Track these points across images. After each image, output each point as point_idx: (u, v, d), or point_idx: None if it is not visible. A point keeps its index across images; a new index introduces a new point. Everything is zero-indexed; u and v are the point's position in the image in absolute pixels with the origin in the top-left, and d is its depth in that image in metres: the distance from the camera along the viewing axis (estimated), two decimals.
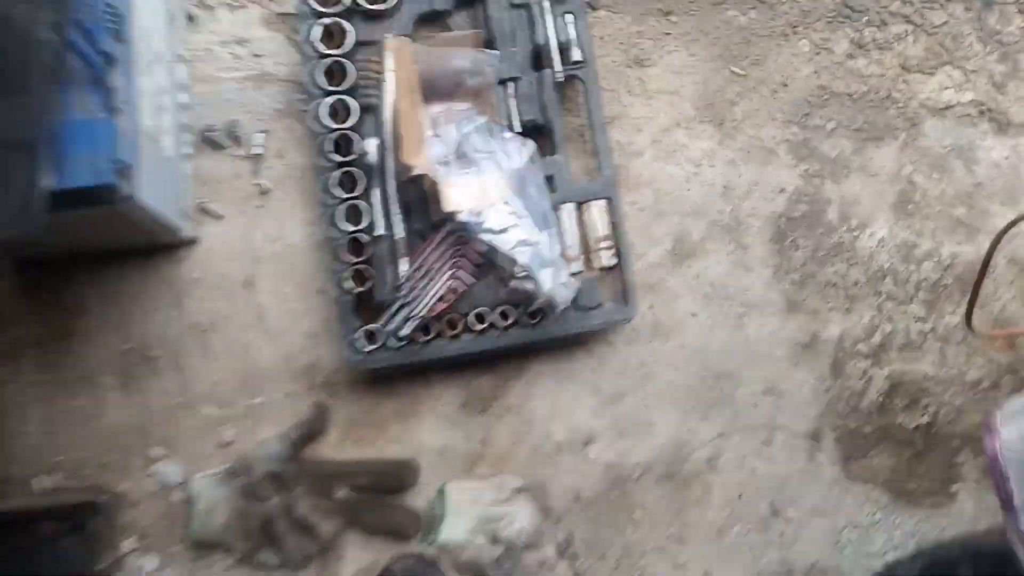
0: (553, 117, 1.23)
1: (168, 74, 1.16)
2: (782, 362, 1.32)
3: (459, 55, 1.18)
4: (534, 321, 1.20)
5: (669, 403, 1.31)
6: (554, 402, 1.29)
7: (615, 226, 1.23)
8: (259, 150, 1.25)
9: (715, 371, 1.31)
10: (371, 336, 1.19)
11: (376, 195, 1.20)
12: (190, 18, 1.28)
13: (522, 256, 1.06)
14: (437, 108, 1.20)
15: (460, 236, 1.17)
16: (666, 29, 1.35)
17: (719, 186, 1.32)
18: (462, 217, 1.08)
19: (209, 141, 1.26)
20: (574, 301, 1.19)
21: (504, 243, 1.07)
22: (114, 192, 0.92)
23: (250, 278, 1.25)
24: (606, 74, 1.29)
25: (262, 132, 1.26)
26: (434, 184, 1.11)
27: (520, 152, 1.12)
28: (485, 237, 1.08)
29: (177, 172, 1.19)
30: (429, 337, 1.19)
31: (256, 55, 1.29)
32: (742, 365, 1.32)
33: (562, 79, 1.23)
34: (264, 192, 1.26)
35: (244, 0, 1.30)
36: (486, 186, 1.11)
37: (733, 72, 1.35)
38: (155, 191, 1.07)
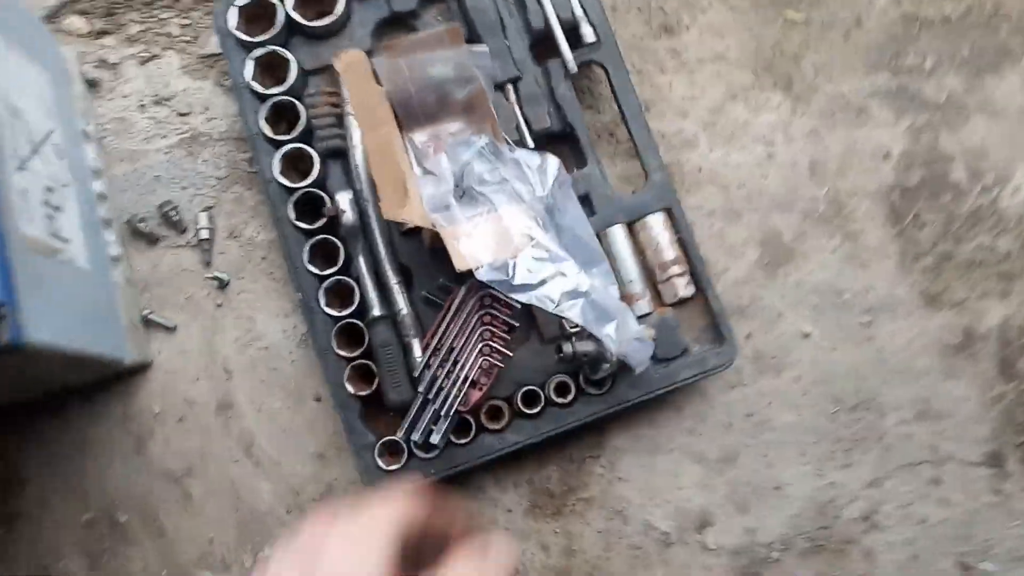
0: (573, 119, 0.93)
1: (65, 160, 0.88)
2: (932, 374, 1.00)
3: (436, 60, 0.88)
4: (602, 390, 0.90)
5: (796, 455, 0.99)
6: (647, 482, 0.98)
7: (683, 243, 0.93)
8: (205, 233, 0.96)
9: (847, 402, 1.00)
10: (394, 449, 0.89)
11: (362, 265, 0.90)
12: (91, 84, 1.00)
13: (573, 312, 0.76)
14: (421, 136, 0.90)
15: (484, 295, 0.87)
16: None
17: (803, 166, 1.01)
18: (482, 276, 0.77)
19: (141, 235, 0.97)
20: (654, 355, 0.89)
21: (545, 300, 0.76)
22: None
23: (225, 399, 0.96)
24: (628, 52, 0.99)
25: (205, 210, 0.97)
26: (435, 237, 0.82)
27: (541, 172, 0.82)
28: (520, 297, 0.77)
29: (101, 284, 0.90)
30: (469, 437, 0.89)
31: (182, 113, 1.00)
32: (880, 388, 1.00)
33: (575, 68, 0.93)
34: (222, 285, 0.97)
35: (156, 48, 1.01)
36: (505, 228, 0.80)
37: (789, 19, 1.04)
38: (66, 319, 0.79)
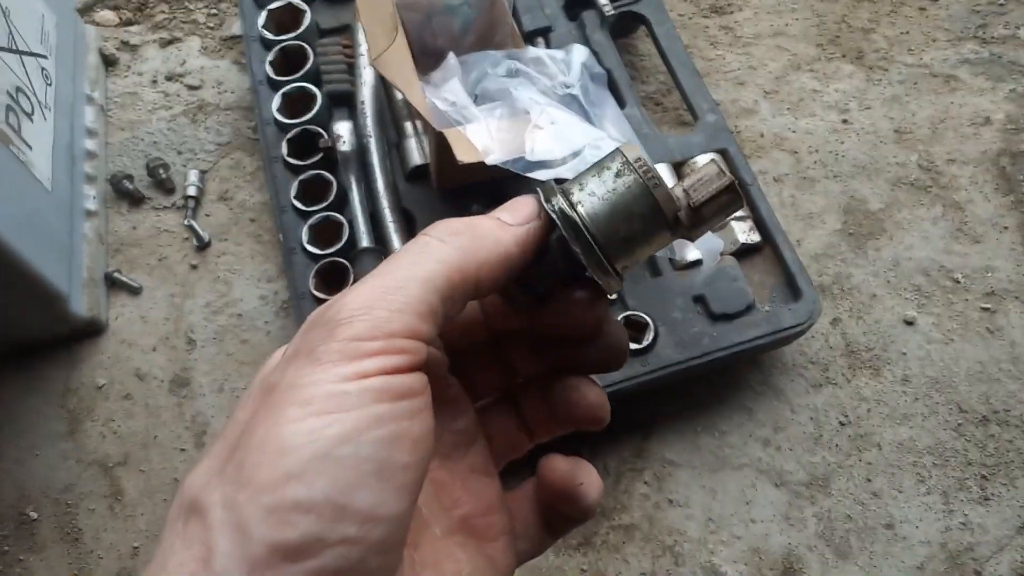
0: (610, 63, 0.82)
1: (51, 89, 0.81)
2: None
3: None
4: (641, 345, 0.69)
5: (913, 482, 0.73)
6: (708, 509, 0.73)
7: (744, 186, 0.76)
8: (192, 190, 0.85)
9: (976, 412, 0.75)
10: None
11: (356, 198, 0.76)
12: (108, 61, 0.95)
13: None
14: (439, 74, 0.80)
15: None
16: None
17: (886, 132, 0.86)
18: (493, 159, 0.63)
19: (125, 194, 0.87)
20: (706, 306, 0.69)
21: (572, 172, 0.60)
22: None
23: (182, 374, 0.79)
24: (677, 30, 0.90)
25: (198, 171, 0.87)
26: (444, 175, 0.68)
27: (566, 62, 0.70)
28: (539, 174, 0.61)
29: (63, 217, 0.78)
30: None
31: (193, 87, 0.94)
32: (1019, 394, 0.75)
33: (611, 10, 0.84)
34: (201, 247, 0.84)
35: (179, 33, 0.98)
36: (521, 110, 0.67)
37: None
38: (9, 211, 0.67)
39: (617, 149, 0.30)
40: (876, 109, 0.87)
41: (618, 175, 0.29)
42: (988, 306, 0.78)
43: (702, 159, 0.77)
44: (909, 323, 0.78)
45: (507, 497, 0.35)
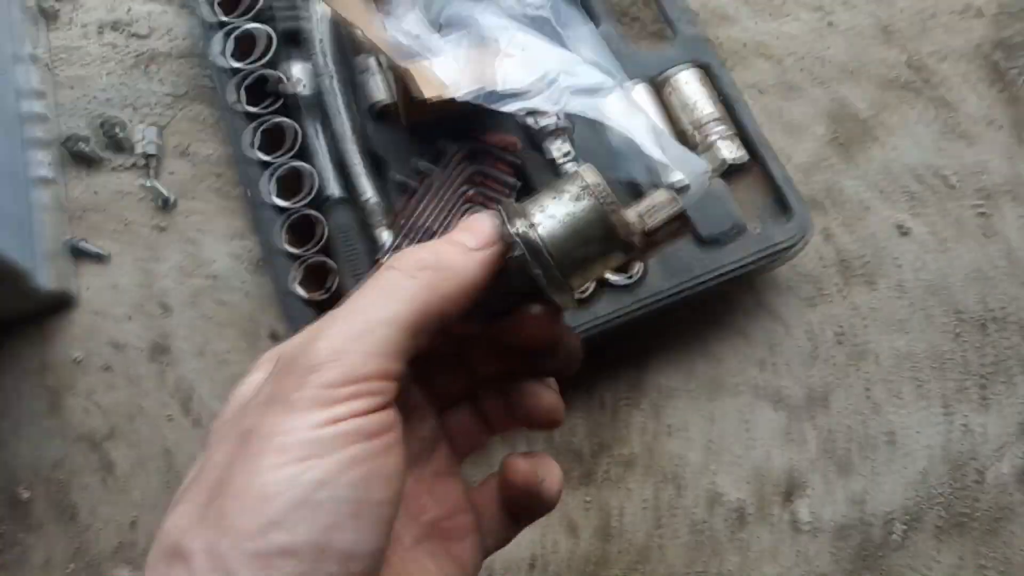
0: None
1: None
2: None
3: None
4: (630, 277, 0.67)
5: (912, 391, 0.73)
6: (708, 435, 0.72)
7: (728, 102, 0.73)
8: (151, 148, 0.81)
9: (973, 316, 0.74)
10: None
11: (320, 144, 0.73)
12: (46, 14, 0.90)
13: (587, 108, 0.56)
14: (398, 3, 0.75)
15: (475, 171, 0.68)
16: None
17: (872, 30, 0.82)
18: (460, 94, 0.59)
19: (81, 157, 0.83)
20: (695, 231, 0.67)
21: (545, 101, 0.57)
22: None
23: (160, 341, 0.77)
24: None
25: (155, 126, 0.83)
26: (412, 109, 0.64)
27: None
28: (510, 107, 0.58)
29: (14, 189, 0.74)
30: None
31: (140, 36, 0.88)
32: (1016, 295, 0.74)
33: None
34: (166, 207, 0.80)
35: None
36: (487, 47, 0.63)
37: None
38: None
39: (577, 172, 0.32)
40: (860, 7, 0.82)
41: (577, 199, 0.31)
42: (982, 206, 0.76)
43: (684, 75, 0.73)
44: (904, 232, 0.76)
45: (472, 493, 0.36)
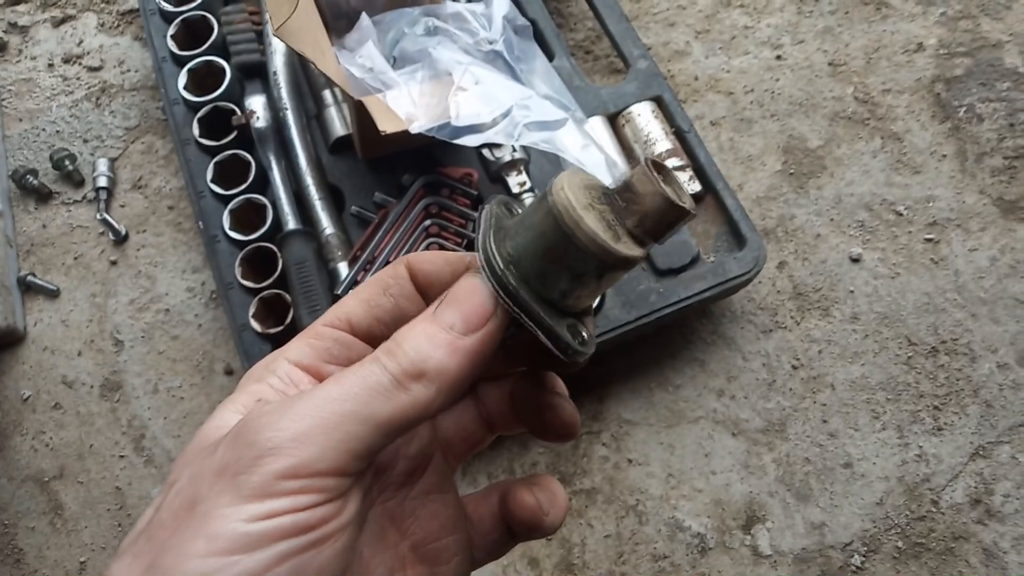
0: (535, 15, 0.79)
1: None
2: None
3: None
4: None
5: (868, 419, 0.74)
6: (668, 465, 0.73)
7: (681, 135, 0.74)
8: (103, 181, 0.80)
9: (925, 343, 0.75)
10: None
11: (277, 176, 0.72)
12: None
13: (543, 140, 0.56)
14: (353, 38, 0.75)
15: (432, 203, 0.68)
16: None
17: (821, 65, 0.84)
18: (417, 128, 0.59)
19: (31, 191, 0.81)
20: (651, 262, 0.67)
21: (502, 135, 0.57)
22: None
23: (112, 378, 0.75)
24: None
25: (107, 159, 0.82)
26: (369, 145, 0.64)
27: (486, 16, 0.66)
28: (468, 141, 0.58)
29: None
30: None
31: (93, 68, 0.87)
32: (966, 323, 0.76)
33: None
34: (119, 241, 0.79)
35: (72, 10, 0.91)
36: (442, 81, 0.63)
37: None
38: None
39: (544, 196, 0.28)
40: (809, 42, 0.85)
41: (544, 226, 0.28)
42: (931, 236, 0.78)
43: (638, 108, 0.74)
44: (855, 260, 0.77)
45: (469, 502, 0.35)
